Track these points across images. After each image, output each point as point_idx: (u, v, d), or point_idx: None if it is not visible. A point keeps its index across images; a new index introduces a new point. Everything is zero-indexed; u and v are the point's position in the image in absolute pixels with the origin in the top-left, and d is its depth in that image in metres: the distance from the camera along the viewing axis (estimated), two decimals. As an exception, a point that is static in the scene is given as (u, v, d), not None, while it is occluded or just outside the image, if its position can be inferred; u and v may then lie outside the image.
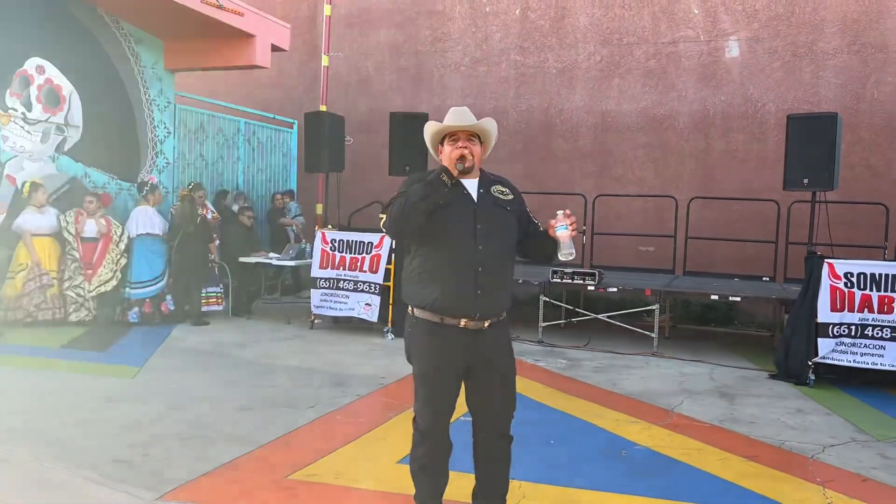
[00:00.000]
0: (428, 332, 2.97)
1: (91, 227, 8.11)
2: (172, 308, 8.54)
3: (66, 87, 8.47)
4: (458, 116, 3.00)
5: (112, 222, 8.35)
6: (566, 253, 2.93)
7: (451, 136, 3.01)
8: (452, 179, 2.88)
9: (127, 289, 8.30)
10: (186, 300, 8.58)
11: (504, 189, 3.10)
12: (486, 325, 2.95)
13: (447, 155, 2.97)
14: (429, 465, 3.09)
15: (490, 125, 3.04)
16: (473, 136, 3.00)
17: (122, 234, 8.35)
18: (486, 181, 3.08)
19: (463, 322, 2.92)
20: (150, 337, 7.70)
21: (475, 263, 2.89)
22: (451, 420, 3.11)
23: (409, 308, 3.06)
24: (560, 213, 2.94)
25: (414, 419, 3.13)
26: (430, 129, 3.07)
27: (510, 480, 3.31)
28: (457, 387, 3.05)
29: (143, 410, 5.05)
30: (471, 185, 3.02)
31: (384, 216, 3.04)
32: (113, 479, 3.80)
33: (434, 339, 2.96)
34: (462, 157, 2.89)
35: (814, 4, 9.79)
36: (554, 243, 2.99)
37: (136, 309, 8.26)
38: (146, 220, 8.34)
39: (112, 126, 9.00)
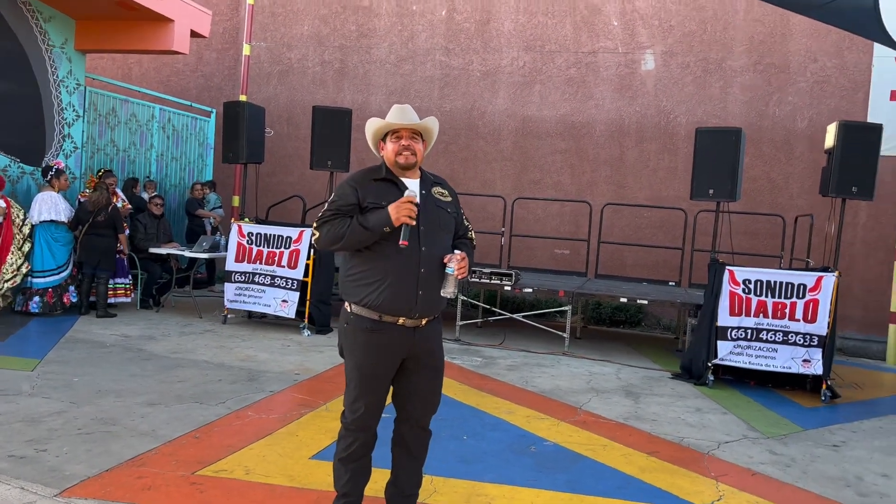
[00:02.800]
0: (366, 329, 2.96)
1: (-14, 211, 7.69)
2: (75, 299, 8.19)
3: (-34, 62, 7.99)
4: (401, 114, 3.02)
5: (12, 204, 7.94)
6: (446, 291, 2.94)
7: (393, 133, 3.03)
8: (392, 229, 2.87)
9: (28, 277, 7.91)
10: (92, 291, 8.24)
11: (443, 191, 3.15)
12: (424, 322, 3.00)
13: (389, 152, 3.02)
14: (352, 458, 3.08)
15: (433, 124, 3.09)
16: (416, 134, 3.03)
17: (25, 218, 7.95)
18: (426, 182, 3.10)
19: (401, 320, 2.94)
20: (52, 328, 7.36)
21: (418, 264, 2.92)
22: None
23: (346, 304, 3.05)
24: (456, 253, 2.94)
25: (343, 413, 3.11)
26: (372, 126, 3.08)
27: (423, 475, 3.37)
28: (388, 384, 3.07)
29: (41, 404, 4.84)
30: (412, 185, 3.03)
31: (318, 233, 3.01)
32: (7, 475, 3.64)
33: (372, 336, 2.95)
34: (406, 223, 2.84)
35: (724, 23, 10.29)
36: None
37: (36, 298, 7.89)
38: (50, 206, 7.96)
39: (15, 106, 8.53)
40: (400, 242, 2.86)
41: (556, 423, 5.22)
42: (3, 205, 7.80)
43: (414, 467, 3.20)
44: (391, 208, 2.87)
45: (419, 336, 2.99)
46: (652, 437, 5.07)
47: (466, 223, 3.25)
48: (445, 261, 2.93)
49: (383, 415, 3.14)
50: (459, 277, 2.91)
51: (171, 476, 3.79)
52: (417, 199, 2.93)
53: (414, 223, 2.89)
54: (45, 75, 8.90)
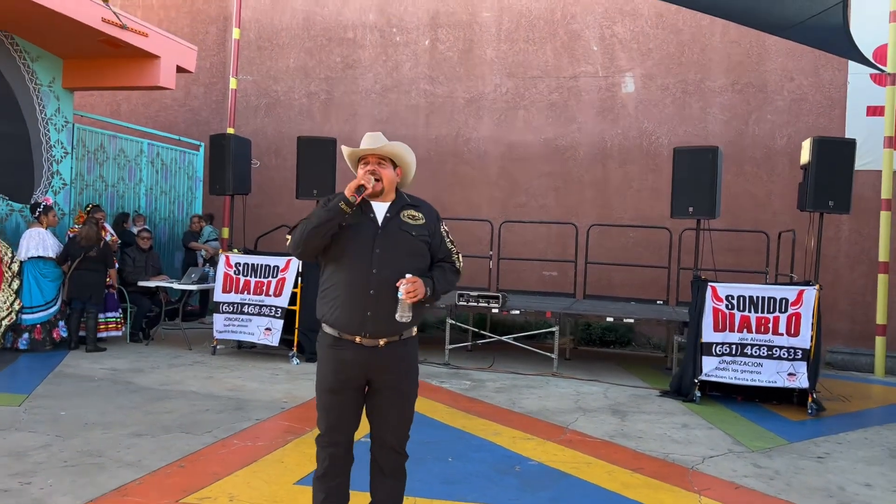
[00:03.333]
0: (329, 345, 3.07)
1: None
2: (65, 334, 8.21)
3: (-46, 102, 8.09)
4: (368, 141, 3.10)
5: (1, 243, 7.99)
6: (398, 315, 2.93)
7: (363, 160, 3.11)
8: (351, 207, 2.94)
9: (19, 314, 7.94)
10: (82, 325, 8.26)
11: (416, 214, 3.13)
12: (382, 343, 3.01)
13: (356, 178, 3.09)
14: (327, 477, 3.12)
15: (397, 149, 3.10)
16: (384, 159, 3.09)
17: (14, 256, 8.01)
18: (398, 205, 3.12)
19: (358, 339, 3.00)
20: (41, 363, 7.37)
21: (368, 286, 2.97)
22: (355, 438, 3.15)
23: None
24: (407, 276, 2.93)
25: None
26: (345, 155, 3.18)
27: (406, 497, 3.39)
28: (353, 401, 3.09)
29: (28, 438, 4.85)
30: (380, 208, 3.09)
31: (289, 237, 3.11)
32: (-9, 509, 3.66)
33: (333, 353, 3.05)
34: (360, 187, 2.96)
35: (702, 45, 10.49)
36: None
37: (25, 335, 7.90)
38: (38, 242, 8.02)
39: (3, 144, 8.62)
40: (348, 194, 2.93)
41: (542, 443, 5.25)
42: (-8, 242, 7.86)
43: (389, 489, 3.20)
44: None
45: (379, 357, 3.02)
46: (637, 454, 5.09)
47: (450, 247, 3.21)
48: (398, 284, 2.93)
49: (365, 439, 3.18)
50: (408, 301, 2.91)
51: (154, 505, 3.81)
52: (370, 185, 2.98)
53: (369, 186, 2.96)
54: (34, 114, 9.02)
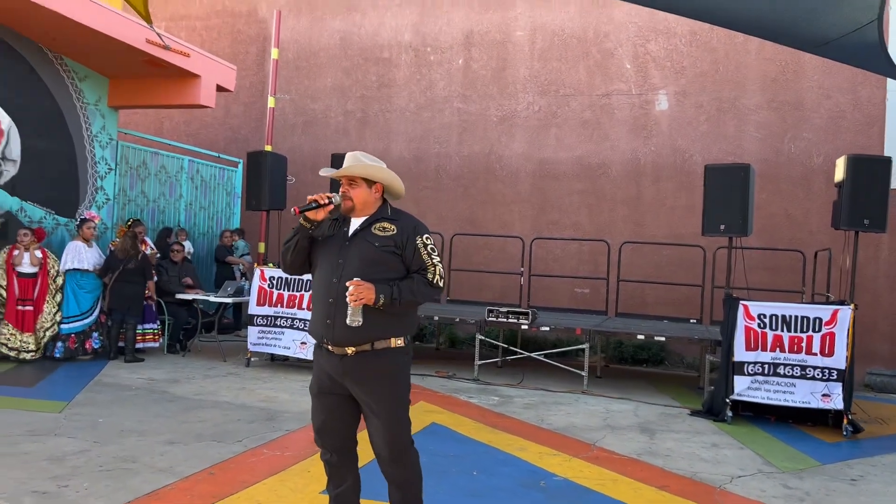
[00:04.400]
0: (314, 350, 3.26)
1: (27, 262, 8.03)
2: (97, 346, 8.42)
3: (5, 120, 8.45)
4: (347, 161, 3.19)
5: (49, 255, 8.28)
6: (348, 319, 2.97)
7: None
8: (310, 223, 3.13)
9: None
10: (121, 336, 8.50)
11: (389, 226, 3.14)
12: (350, 351, 3.06)
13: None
14: (331, 483, 3.31)
15: (362, 171, 3.14)
16: (355, 179, 3.16)
17: (59, 270, 8.29)
18: (373, 219, 3.17)
19: (330, 346, 3.11)
20: (81, 372, 7.60)
21: (329, 295, 3.09)
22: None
23: None
24: (354, 280, 2.97)
25: None
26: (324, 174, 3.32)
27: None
28: (338, 407, 3.16)
29: (67, 444, 5.02)
30: (356, 222, 3.20)
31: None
32: (29, 510, 3.80)
33: (315, 358, 3.23)
34: (312, 202, 3.09)
35: (736, 63, 10.44)
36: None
37: (59, 344, 8.15)
38: (74, 255, 8.27)
39: (51, 161, 8.98)
40: (293, 208, 3.15)
41: (568, 459, 5.24)
42: (40, 255, 8.15)
43: (395, 497, 3.27)
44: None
45: (349, 365, 3.07)
46: (664, 472, 5.06)
47: (427, 259, 3.15)
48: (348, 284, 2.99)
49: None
50: (352, 304, 2.94)
51: (184, 510, 3.92)
52: (335, 200, 3.11)
53: (325, 201, 3.08)
54: (80, 131, 9.36)
